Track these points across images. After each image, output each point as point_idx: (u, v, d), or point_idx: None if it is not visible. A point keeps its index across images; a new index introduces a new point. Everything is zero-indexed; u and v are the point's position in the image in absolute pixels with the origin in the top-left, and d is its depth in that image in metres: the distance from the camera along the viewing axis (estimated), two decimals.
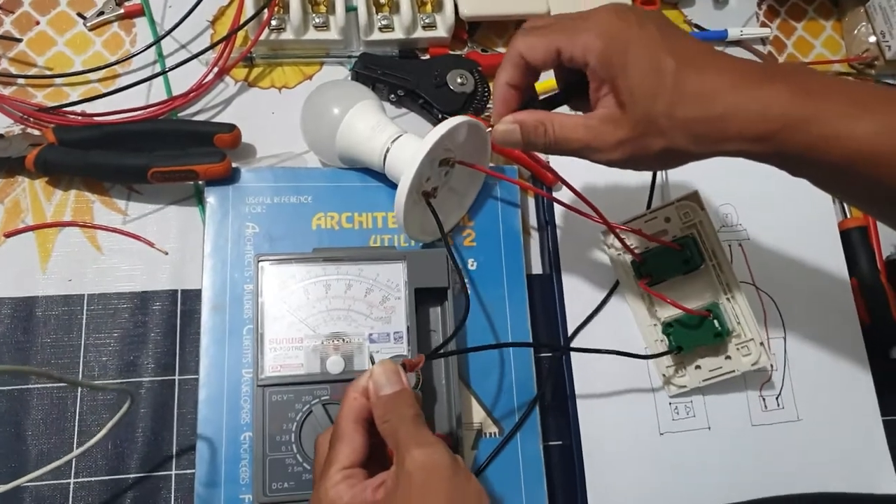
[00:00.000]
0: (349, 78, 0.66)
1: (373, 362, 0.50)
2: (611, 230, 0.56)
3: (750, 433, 0.59)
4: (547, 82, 0.61)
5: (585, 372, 0.58)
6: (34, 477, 0.47)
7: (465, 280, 0.59)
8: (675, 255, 0.58)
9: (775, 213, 0.65)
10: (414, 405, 0.43)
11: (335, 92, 0.60)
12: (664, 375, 0.59)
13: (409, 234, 0.57)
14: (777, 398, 0.60)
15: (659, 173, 0.63)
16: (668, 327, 0.58)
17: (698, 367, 0.58)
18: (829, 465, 0.58)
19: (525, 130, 0.45)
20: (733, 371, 0.57)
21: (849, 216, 0.67)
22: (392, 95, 0.63)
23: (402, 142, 0.57)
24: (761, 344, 0.56)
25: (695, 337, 0.57)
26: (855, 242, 0.65)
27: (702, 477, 0.57)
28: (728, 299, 0.58)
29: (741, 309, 0.57)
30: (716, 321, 0.57)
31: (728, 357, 0.58)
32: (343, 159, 0.60)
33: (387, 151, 0.57)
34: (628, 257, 0.59)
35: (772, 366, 0.60)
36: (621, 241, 0.56)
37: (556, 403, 0.59)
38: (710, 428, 0.59)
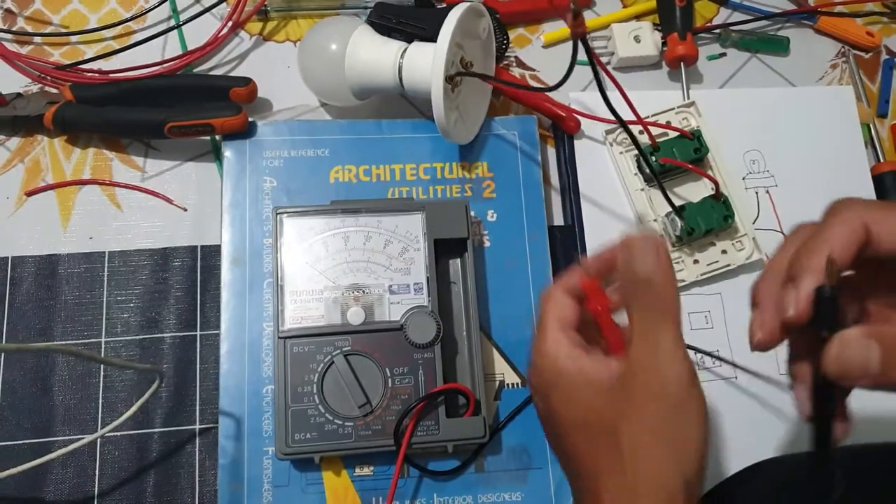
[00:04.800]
0: None
1: None
2: (637, 117, 0.57)
3: (778, 382, 0.57)
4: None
5: None
6: (67, 452, 0.48)
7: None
8: (685, 143, 0.60)
9: (804, 158, 0.63)
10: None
11: (326, 30, 0.59)
12: None
13: (444, 131, 0.56)
14: None
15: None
16: (681, 209, 0.59)
17: (696, 261, 0.60)
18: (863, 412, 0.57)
19: (888, 348, 0.33)
20: (729, 265, 0.60)
21: (882, 160, 0.64)
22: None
23: (413, 49, 0.57)
24: (753, 239, 0.60)
25: (706, 219, 0.58)
26: (888, 186, 0.62)
27: (727, 427, 0.56)
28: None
29: (736, 207, 0.60)
30: (724, 204, 0.59)
31: (724, 252, 0.60)
32: (356, 92, 0.59)
33: (400, 65, 0.57)
34: (635, 153, 0.61)
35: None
36: (644, 126, 0.58)
37: None
38: (736, 378, 0.58)
